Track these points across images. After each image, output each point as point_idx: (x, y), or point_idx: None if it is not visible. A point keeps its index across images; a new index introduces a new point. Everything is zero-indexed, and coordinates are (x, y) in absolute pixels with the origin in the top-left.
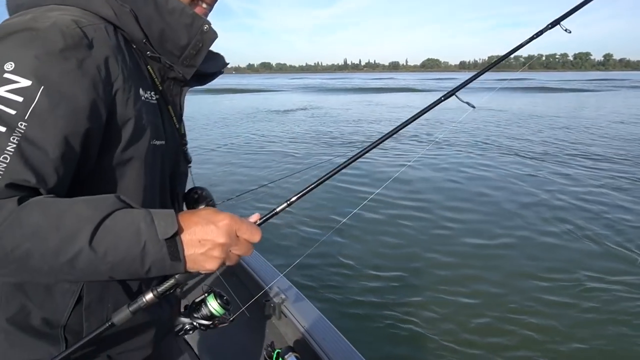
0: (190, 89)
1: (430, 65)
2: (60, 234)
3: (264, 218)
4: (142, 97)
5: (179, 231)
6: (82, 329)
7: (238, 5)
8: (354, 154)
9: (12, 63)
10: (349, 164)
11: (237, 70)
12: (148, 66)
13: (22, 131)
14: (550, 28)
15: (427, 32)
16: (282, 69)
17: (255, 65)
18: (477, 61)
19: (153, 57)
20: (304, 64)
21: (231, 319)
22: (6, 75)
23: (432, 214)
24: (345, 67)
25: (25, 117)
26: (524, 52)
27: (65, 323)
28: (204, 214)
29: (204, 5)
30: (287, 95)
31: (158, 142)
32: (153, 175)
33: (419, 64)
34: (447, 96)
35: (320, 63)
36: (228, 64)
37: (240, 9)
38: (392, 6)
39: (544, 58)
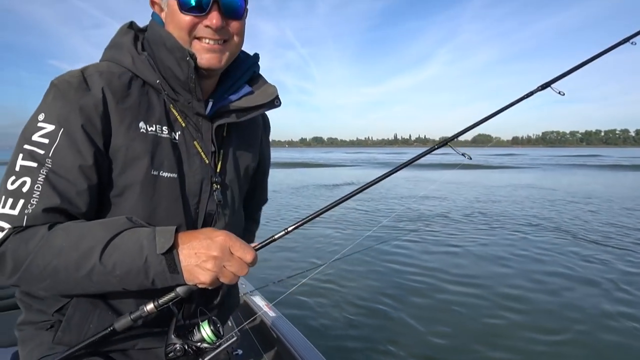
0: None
1: (482, 140)
2: (78, 252)
3: (262, 243)
4: (142, 129)
5: (176, 245)
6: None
7: (292, 84)
8: (358, 187)
9: (43, 114)
10: (351, 196)
11: (290, 143)
12: (170, 105)
13: (49, 166)
14: (541, 90)
15: (477, 108)
16: (333, 143)
17: (308, 139)
18: (530, 137)
19: (169, 96)
20: (355, 139)
21: (221, 347)
22: (39, 124)
23: (482, 299)
24: (395, 142)
25: (50, 154)
26: (580, 128)
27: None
28: (204, 230)
29: (207, 42)
30: (337, 169)
31: (165, 174)
32: (154, 206)
33: (470, 139)
34: (440, 145)
35: (370, 138)
36: (275, 99)
37: (294, 87)
38: (440, 84)
39: (602, 134)
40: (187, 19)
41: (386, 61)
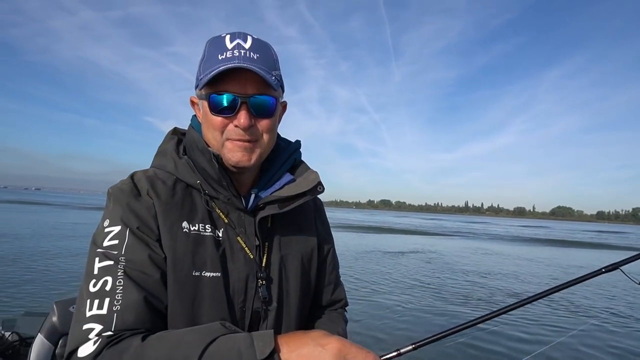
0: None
1: (562, 213)
2: None
3: (386, 356)
4: (185, 229)
5: (276, 349)
6: None
7: (364, 147)
8: (496, 309)
9: (107, 220)
10: (490, 318)
11: (358, 205)
12: (212, 203)
13: (124, 262)
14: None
15: (555, 179)
16: (401, 207)
17: (375, 202)
18: (618, 212)
19: (210, 194)
20: (424, 204)
21: None
22: (106, 230)
23: None
24: (466, 210)
25: (123, 252)
26: None
27: None
28: (314, 335)
29: (236, 142)
30: (404, 236)
31: (208, 274)
32: (197, 307)
33: (547, 211)
34: (609, 269)
35: (440, 204)
36: (317, 186)
37: (365, 150)
38: (514, 152)
39: None
40: (218, 119)
41: (458, 128)
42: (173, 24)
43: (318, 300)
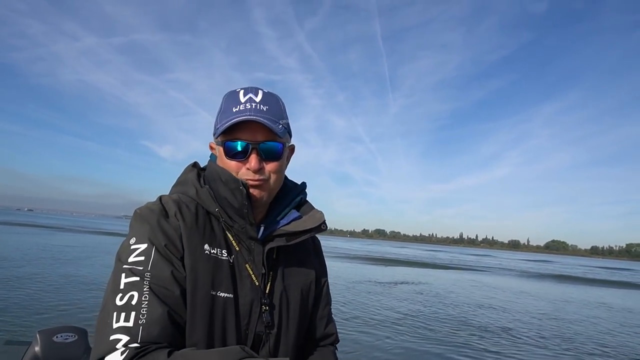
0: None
1: (556, 247)
2: None
3: None
4: (206, 251)
5: None
6: None
7: (359, 176)
8: None
9: (134, 238)
10: None
11: (352, 234)
12: (227, 231)
13: (149, 278)
14: None
15: (550, 213)
16: (395, 237)
17: (370, 231)
18: (612, 247)
19: (226, 222)
20: (418, 234)
21: None
22: (132, 247)
23: None
24: (461, 241)
25: (149, 268)
26: None
27: None
28: None
29: (253, 175)
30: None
31: (223, 294)
32: (211, 324)
33: (542, 244)
34: None
35: (434, 234)
36: (322, 224)
37: (361, 179)
38: (509, 185)
39: None
40: (232, 163)
41: (454, 160)
42: (174, 52)
43: (311, 334)
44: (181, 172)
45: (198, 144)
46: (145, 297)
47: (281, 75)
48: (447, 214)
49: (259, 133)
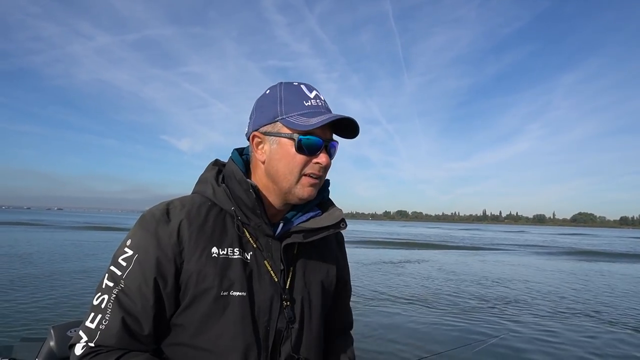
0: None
1: (583, 219)
2: None
3: None
4: (214, 254)
5: None
6: None
7: (378, 158)
8: None
9: (130, 240)
10: None
11: (374, 216)
12: (244, 229)
13: (122, 286)
14: None
15: (574, 186)
16: (417, 217)
17: (392, 213)
18: None
19: (242, 220)
20: (440, 213)
21: None
22: (124, 248)
23: None
24: (484, 218)
25: (124, 276)
26: None
27: None
28: None
29: (313, 177)
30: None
31: (235, 293)
32: (222, 324)
33: (568, 217)
34: None
35: (457, 213)
36: (341, 221)
37: (379, 161)
38: (531, 159)
39: None
40: (301, 157)
41: (473, 136)
42: (186, 45)
43: (330, 325)
44: (204, 168)
45: (215, 135)
46: (111, 304)
47: (294, 62)
48: (468, 192)
49: (328, 131)
